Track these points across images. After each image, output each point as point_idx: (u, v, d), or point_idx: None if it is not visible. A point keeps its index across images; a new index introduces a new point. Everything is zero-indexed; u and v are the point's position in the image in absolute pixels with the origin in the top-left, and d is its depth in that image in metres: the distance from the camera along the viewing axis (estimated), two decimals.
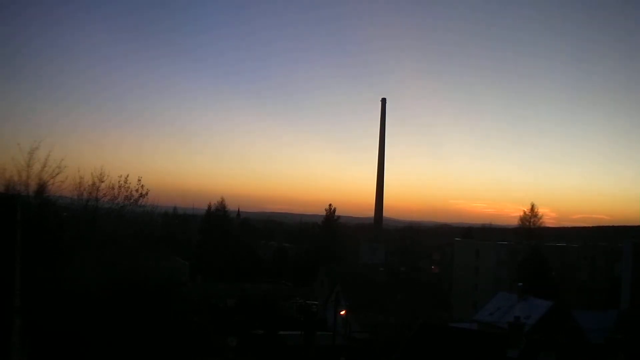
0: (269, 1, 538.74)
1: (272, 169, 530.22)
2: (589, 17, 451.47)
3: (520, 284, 62.83)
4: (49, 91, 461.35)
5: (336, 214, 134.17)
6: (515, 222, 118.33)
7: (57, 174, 28.22)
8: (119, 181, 32.01)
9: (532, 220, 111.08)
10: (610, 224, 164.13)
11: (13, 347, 22.91)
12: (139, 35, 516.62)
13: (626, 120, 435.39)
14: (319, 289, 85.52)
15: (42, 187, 29.13)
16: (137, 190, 32.44)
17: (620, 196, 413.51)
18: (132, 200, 32.44)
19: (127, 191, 32.17)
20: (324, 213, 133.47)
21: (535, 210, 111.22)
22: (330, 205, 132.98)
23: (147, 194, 32.86)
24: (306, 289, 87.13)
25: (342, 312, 60.76)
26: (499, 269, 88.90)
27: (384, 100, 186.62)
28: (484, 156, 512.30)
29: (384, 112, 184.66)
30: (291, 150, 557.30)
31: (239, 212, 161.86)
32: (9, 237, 24.19)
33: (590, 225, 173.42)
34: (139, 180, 32.66)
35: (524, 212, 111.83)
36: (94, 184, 31.28)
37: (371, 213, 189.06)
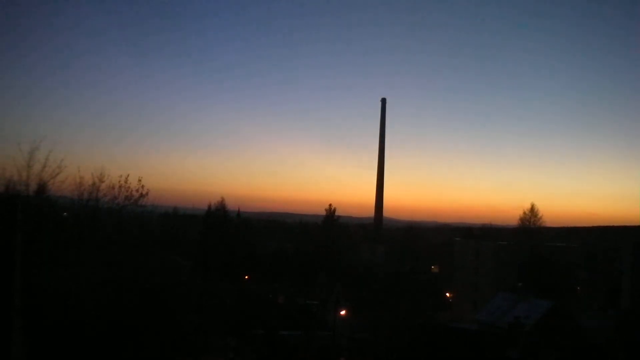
0: (269, 2, 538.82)
1: (272, 169, 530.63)
2: (589, 18, 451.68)
3: (520, 284, 62.82)
4: (49, 91, 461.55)
5: (336, 214, 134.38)
6: (515, 222, 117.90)
7: (57, 174, 28.17)
8: (119, 181, 31.99)
9: (532, 220, 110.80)
10: (610, 224, 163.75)
11: (13, 346, 22.95)
12: (140, 36, 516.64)
13: (626, 120, 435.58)
14: (319, 289, 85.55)
15: (42, 187, 29.09)
16: (137, 190, 32.43)
17: (620, 196, 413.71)
18: (132, 200, 32.40)
19: (127, 191, 32.14)
20: (324, 213, 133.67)
21: (535, 210, 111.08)
22: (330, 205, 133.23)
23: (147, 194, 32.84)
24: (306, 289, 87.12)
25: (342, 312, 60.80)
26: (499, 269, 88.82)
27: (384, 100, 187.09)
28: (484, 156, 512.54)
29: (384, 112, 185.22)
30: (291, 150, 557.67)
31: (239, 212, 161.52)
32: (9, 237, 24.21)
33: (590, 225, 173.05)
34: (139, 180, 32.65)
35: (524, 212, 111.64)
36: (94, 184, 31.25)
37: (371, 213, 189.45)
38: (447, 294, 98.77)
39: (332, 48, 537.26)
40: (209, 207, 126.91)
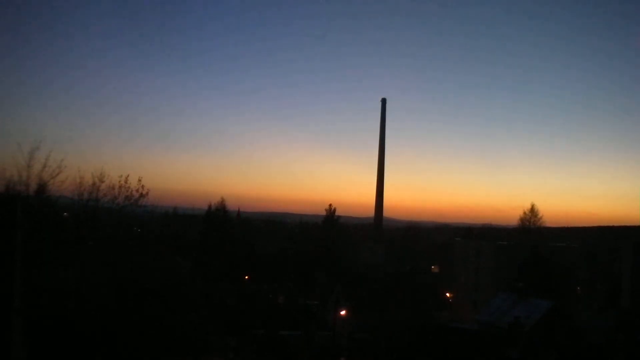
0: (269, 3, 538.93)
1: (272, 169, 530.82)
2: (588, 18, 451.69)
3: (521, 284, 62.73)
4: (50, 91, 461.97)
5: (336, 214, 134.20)
6: (515, 222, 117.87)
7: (57, 174, 28.12)
8: (119, 181, 31.96)
9: (532, 220, 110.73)
10: (610, 224, 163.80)
11: (13, 346, 22.96)
12: (140, 37, 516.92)
13: (626, 120, 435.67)
14: (319, 289, 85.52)
15: (42, 187, 29.06)
16: (137, 191, 32.40)
17: (620, 196, 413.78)
18: (132, 201, 32.36)
19: (127, 191, 32.11)
20: (324, 213, 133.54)
21: (535, 210, 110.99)
22: (330, 205, 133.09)
23: (147, 194, 32.80)
24: (306, 289, 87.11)
25: (342, 312, 60.80)
26: (499, 269, 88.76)
27: (384, 100, 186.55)
28: (484, 155, 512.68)
29: (384, 112, 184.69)
30: (291, 150, 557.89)
31: (239, 212, 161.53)
32: (9, 237, 24.21)
33: (590, 225, 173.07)
34: (139, 180, 32.62)
35: (524, 212, 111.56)
36: (94, 184, 31.22)
37: (371, 213, 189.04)
38: (447, 294, 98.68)
39: (332, 48, 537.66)
40: (209, 207, 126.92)
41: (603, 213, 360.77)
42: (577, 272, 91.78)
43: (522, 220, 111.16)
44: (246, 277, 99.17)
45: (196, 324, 37.27)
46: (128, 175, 32.22)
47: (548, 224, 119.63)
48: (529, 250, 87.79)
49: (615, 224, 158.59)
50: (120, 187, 31.88)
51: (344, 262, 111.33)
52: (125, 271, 30.58)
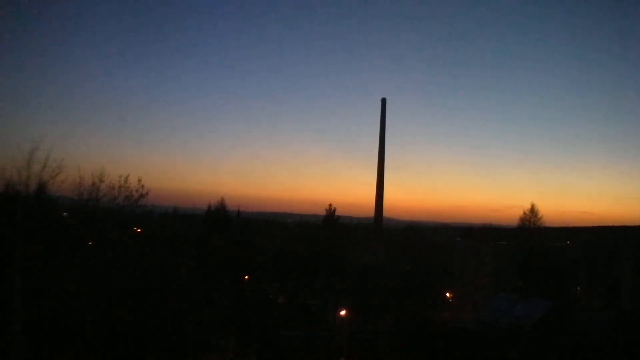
0: (269, 2, 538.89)
1: (272, 169, 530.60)
2: (588, 18, 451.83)
3: (520, 284, 62.74)
4: (49, 91, 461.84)
5: (336, 214, 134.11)
6: (515, 222, 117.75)
7: (57, 174, 28.08)
8: (119, 181, 32.00)
9: (532, 220, 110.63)
10: (610, 224, 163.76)
11: (13, 346, 22.97)
12: (141, 37, 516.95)
13: (626, 120, 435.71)
14: (319, 289, 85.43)
15: (42, 187, 29.03)
16: (137, 191, 32.45)
17: (620, 196, 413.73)
18: (132, 201, 32.40)
19: (127, 191, 32.15)
20: (324, 213, 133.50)
21: (535, 210, 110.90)
22: (330, 205, 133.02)
23: (147, 194, 32.85)
24: (306, 289, 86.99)
25: (342, 312, 60.79)
26: (499, 269, 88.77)
27: (384, 100, 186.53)
28: (484, 155, 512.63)
29: (384, 112, 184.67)
30: (291, 150, 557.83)
31: (239, 212, 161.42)
32: (9, 237, 24.21)
33: (590, 225, 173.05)
34: (139, 180, 32.66)
35: (524, 212, 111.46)
36: (94, 184, 31.23)
37: (371, 213, 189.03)
38: (447, 294, 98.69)
39: (332, 48, 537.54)
40: (209, 207, 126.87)
41: (603, 213, 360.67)
42: (577, 272, 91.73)
43: (522, 220, 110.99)
44: (246, 277, 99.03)
45: (196, 324, 37.27)
46: (128, 175, 32.29)
47: (548, 224, 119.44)
48: (529, 250, 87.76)
49: (615, 224, 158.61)
50: (120, 187, 31.94)
51: (344, 262, 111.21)
52: (125, 271, 30.58)
